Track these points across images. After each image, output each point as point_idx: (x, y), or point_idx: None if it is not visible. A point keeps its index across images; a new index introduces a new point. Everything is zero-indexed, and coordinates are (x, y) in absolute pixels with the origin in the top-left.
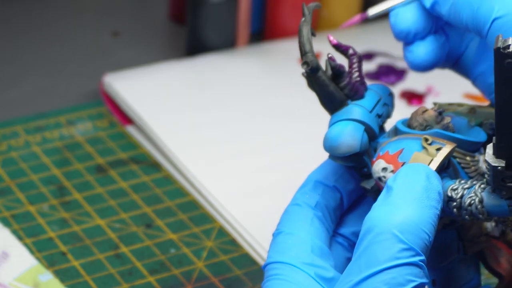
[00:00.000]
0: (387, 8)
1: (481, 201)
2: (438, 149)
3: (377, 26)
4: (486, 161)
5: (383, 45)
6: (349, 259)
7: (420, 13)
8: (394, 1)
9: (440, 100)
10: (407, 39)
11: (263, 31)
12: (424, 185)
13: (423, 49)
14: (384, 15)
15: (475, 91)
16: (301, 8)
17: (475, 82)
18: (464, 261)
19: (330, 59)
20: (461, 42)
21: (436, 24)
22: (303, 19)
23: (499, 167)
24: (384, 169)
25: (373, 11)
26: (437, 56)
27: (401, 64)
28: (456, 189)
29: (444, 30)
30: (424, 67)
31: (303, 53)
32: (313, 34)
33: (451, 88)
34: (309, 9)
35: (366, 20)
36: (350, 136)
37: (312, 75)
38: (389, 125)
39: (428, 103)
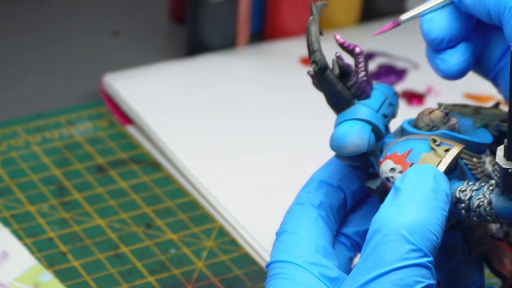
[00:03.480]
0: (420, 12)
1: (489, 203)
2: (447, 150)
3: (377, 26)
4: (496, 163)
5: (383, 45)
6: (351, 259)
7: (453, 18)
8: (427, 5)
9: (440, 100)
10: (440, 47)
11: (263, 31)
12: (432, 186)
13: (456, 58)
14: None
15: (475, 91)
16: (301, 8)
17: (495, 79)
18: (468, 262)
19: (338, 58)
20: (482, 41)
21: (468, 30)
22: (311, 17)
23: (510, 170)
24: (392, 169)
25: (405, 16)
26: (470, 64)
27: (401, 64)
28: (465, 190)
29: (470, 35)
30: (456, 76)
31: (311, 52)
32: (320, 33)
33: (451, 88)
34: (317, 7)
35: (365, 20)
36: (358, 135)
37: (320, 74)
38: (391, 125)
39: (428, 103)
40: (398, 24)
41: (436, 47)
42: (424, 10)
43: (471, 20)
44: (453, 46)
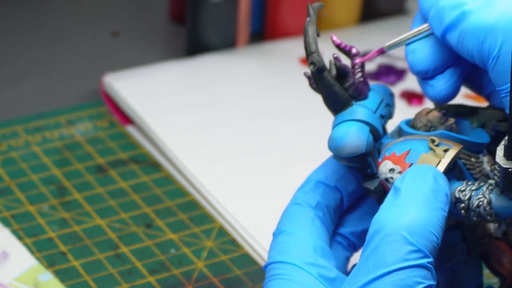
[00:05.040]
0: (404, 40)
1: (489, 202)
2: (446, 151)
3: (377, 26)
4: (496, 162)
5: (383, 45)
6: (348, 258)
7: (437, 49)
8: (410, 34)
9: None
10: (426, 76)
11: (263, 31)
12: (432, 186)
13: (443, 83)
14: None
15: None
16: (301, 8)
17: (488, 97)
18: (467, 262)
19: (336, 59)
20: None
21: (453, 58)
22: (308, 19)
23: (510, 169)
24: (392, 170)
25: (389, 43)
26: (457, 88)
27: (401, 64)
28: (464, 190)
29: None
30: (445, 100)
31: (309, 53)
32: (318, 34)
33: None
34: (314, 8)
35: (365, 20)
36: (356, 136)
37: (318, 75)
38: (389, 125)
39: (428, 103)
40: (383, 52)
41: (422, 77)
42: (408, 39)
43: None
44: (440, 72)
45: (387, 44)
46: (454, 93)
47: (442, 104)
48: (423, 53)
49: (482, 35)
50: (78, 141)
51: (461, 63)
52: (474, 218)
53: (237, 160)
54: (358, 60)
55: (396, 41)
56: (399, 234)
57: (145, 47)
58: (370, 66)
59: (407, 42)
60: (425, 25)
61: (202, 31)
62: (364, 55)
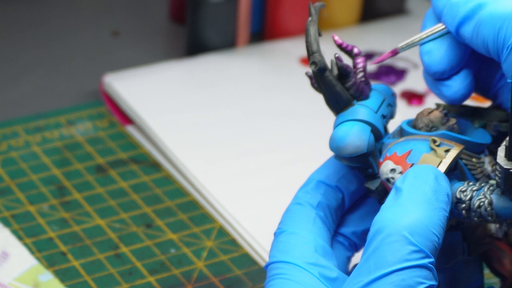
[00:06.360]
0: (417, 40)
1: (490, 203)
2: (447, 151)
3: (377, 26)
4: (497, 163)
5: (383, 45)
6: (349, 258)
7: (452, 49)
8: (424, 34)
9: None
10: (442, 77)
11: (263, 31)
12: (433, 186)
13: (459, 83)
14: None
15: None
16: (301, 8)
17: (494, 96)
18: (468, 263)
19: (338, 59)
20: (476, 62)
21: (467, 57)
22: (309, 18)
23: (511, 170)
24: (393, 170)
25: (402, 44)
26: (473, 87)
27: (401, 64)
28: (465, 191)
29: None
30: (461, 101)
31: (310, 53)
32: (319, 34)
33: None
34: (316, 8)
35: (365, 20)
36: (357, 136)
37: (319, 75)
38: (389, 125)
39: (428, 103)
40: (396, 53)
41: (439, 78)
42: (422, 39)
43: (469, 47)
44: (456, 72)
45: (400, 44)
46: (469, 92)
47: (458, 103)
48: (440, 53)
49: (499, 24)
50: (78, 141)
51: (471, 63)
52: (475, 218)
53: (237, 160)
54: (372, 62)
55: (410, 42)
56: (400, 234)
57: (145, 47)
58: (370, 66)
59: (421, 43)
60: (439, 25)
61: (202, 31)
62: (366, 55)
